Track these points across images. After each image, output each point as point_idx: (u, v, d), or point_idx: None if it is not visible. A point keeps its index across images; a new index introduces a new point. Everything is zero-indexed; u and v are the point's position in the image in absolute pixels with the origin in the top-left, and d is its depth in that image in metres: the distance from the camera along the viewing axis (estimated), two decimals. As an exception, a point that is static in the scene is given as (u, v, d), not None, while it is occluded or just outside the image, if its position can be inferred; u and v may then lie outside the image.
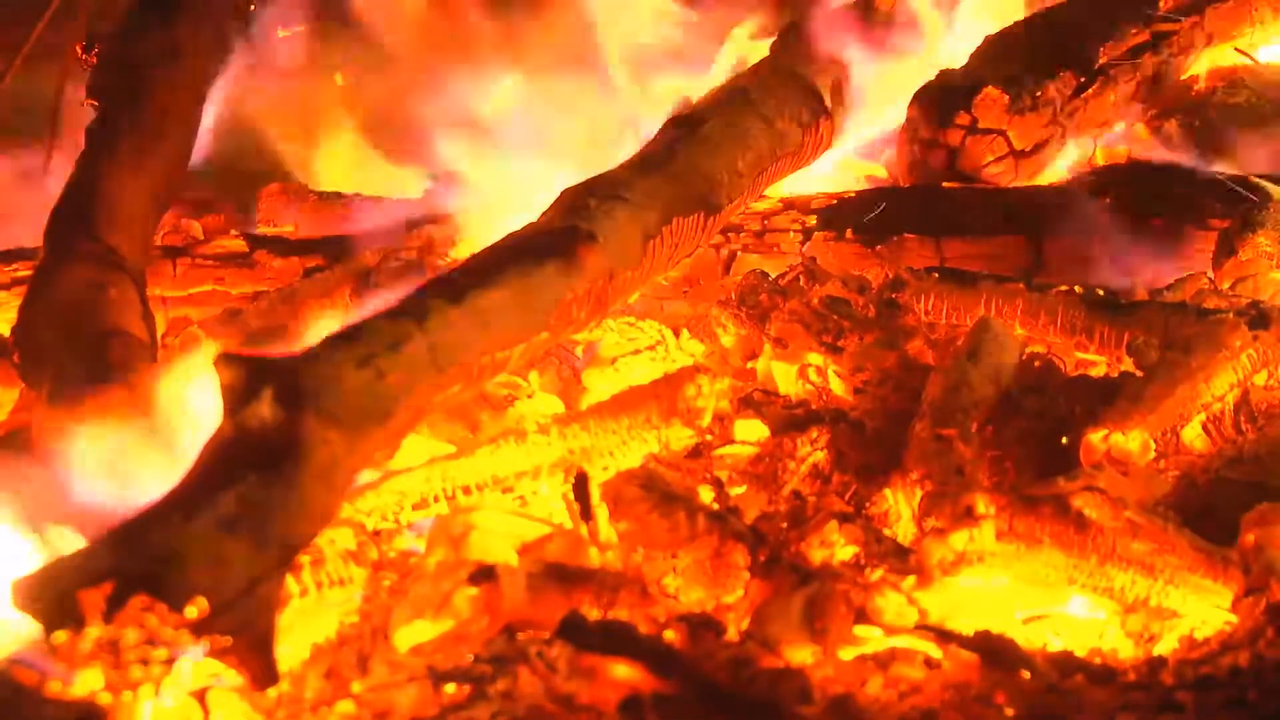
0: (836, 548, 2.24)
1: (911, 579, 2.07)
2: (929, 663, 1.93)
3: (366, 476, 2.18)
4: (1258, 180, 3.34)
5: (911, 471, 2.31)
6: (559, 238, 2.49)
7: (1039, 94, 3.57)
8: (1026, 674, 1.89)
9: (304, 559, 2.02)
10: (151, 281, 3.17)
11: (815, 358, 2.74)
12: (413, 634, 2.04)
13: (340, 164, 4.34)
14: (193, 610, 1.71)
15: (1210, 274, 3.11)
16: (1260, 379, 2.54)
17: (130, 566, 1.70)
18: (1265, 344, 2.55)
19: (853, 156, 3.73)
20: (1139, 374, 2.62)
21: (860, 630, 1.99)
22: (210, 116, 3.65)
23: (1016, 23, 3.86)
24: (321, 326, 2.18)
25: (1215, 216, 3.24)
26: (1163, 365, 2.53)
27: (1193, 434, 2.46)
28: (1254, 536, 2.06)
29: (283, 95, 4.36)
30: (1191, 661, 1.92)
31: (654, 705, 1.80)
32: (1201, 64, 3.98)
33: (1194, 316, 2.67)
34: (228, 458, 1.87)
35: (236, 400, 1.90)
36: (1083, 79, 3.68)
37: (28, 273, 3.13)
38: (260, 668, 1.81)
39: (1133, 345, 2.69)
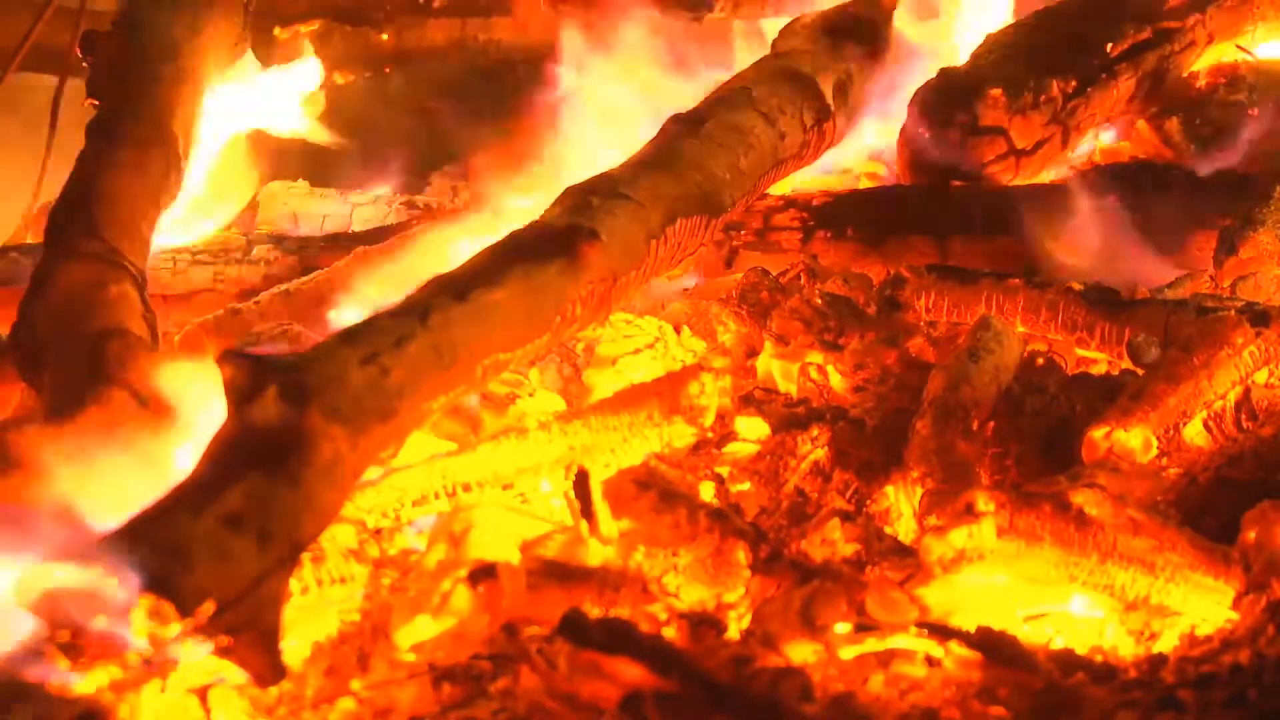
0: (838, 545, 2.24)
1: (912, 576, 2.08)
2: (930, 660, 1.93)
3: (369, 474, 2.17)
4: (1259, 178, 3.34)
5: (912, 469, 2.32)
6: (562, 236, 2.49)
7: (1040, 93, 3.57)
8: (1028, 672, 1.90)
9: (305, 556, 2.02)
10: (151, 280, 3.16)
11: (816, 355, 2.74)
12: (413, 631, 2.04)
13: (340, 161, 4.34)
14: (199, 609, 1.71)
15: (1211, 272, 3.11)
16: (1261, 376, 2.54)
17: (136, 563, 1.70)
18: (1267, 341, 2.55)
19: (854, 155, 3.73)
20: (1139, 372, 2.63)
21: (861, 628, 1.99)
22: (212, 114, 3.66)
23: (1017, 21, 3.86)
24: (323, 324, 2.18)
25: (1216, 214, 3.24)
26: (1165, 363, 2.54)
27: (1194, 431, 2.46)
28: (1255, 534, 2.06)
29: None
30: (1192, 659, 1.92)
31: (655, 703, 1.80)
32: (1203, 61, 3.98)
33: (1195, 314, 2.67)
34: (232, 455, 1.87)
35: (241, 398, 1.90)
36: (1084, 77, 3.68)
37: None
38: (266, 664, 1.81)
39: (1133, 343, 2.69)
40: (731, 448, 2.52)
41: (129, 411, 2.46)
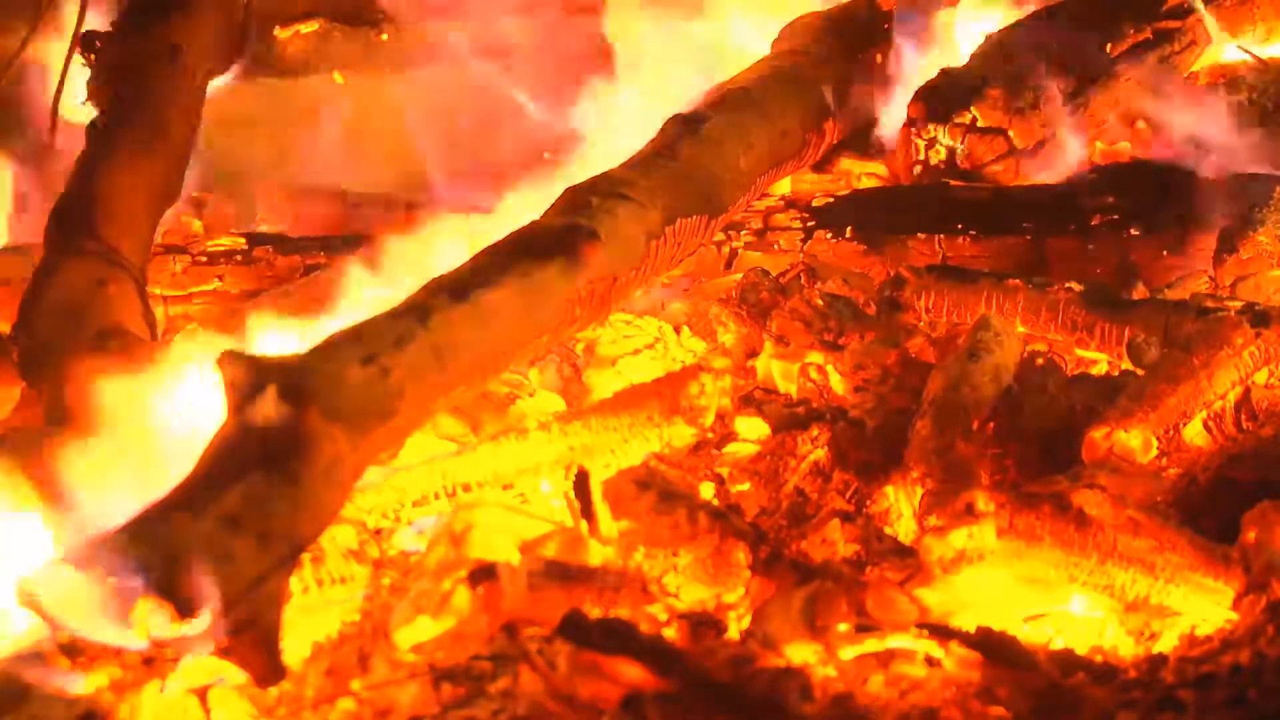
0: (838, 545, 2.24)
1: (912, 577, 2.08)
2: (930, 661, 1.93)
3: (369, 474, 2.17)
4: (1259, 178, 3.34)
5: (912, 469, 2.32)
6: (562, 236, 2.49)
7: (1040, 93, 3.57)
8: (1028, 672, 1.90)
9: (305, 556, 2.02)
10: (151, 280, 3.16)
11: (816, 356, 2.74)
12: (413, 632, 2.04)
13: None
14: (199, 610, 1.71)
15: (1211, 273, 3.11)
16: (1261, 377, 2.55)
17: (136, 564, 1.70)
18: (1267, 341, 2.55)
19: (853, 155, 3.73)
20: (1139, 372, 2.63)
21: (861, 629, 1.99)
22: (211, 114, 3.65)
23: (1017, 21, 3.86)
24: (323, 325, 2.18)
25: (1216, 214, 3.24)
26: (1165, 363, 2.54)
27: (1194, 432, 2.46)
28: (1255, 534, 2.06)
29: (283, 93, 4.36)
30: (1192, 659, 1.93)
31: (655, 703, 1.80)
32: (1203, 61, 3.98)
33: (1194, 314, 2.67)
34: (232, 455, 1.87)
35: (241, 398, 1.90)
36: (1084, 77, 3.68)
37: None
38: (265, 665, 1.82)
39: (1132, 343, 2.69)
40: (731, 448, 2.52)
41: (129, 411, 2.46)
